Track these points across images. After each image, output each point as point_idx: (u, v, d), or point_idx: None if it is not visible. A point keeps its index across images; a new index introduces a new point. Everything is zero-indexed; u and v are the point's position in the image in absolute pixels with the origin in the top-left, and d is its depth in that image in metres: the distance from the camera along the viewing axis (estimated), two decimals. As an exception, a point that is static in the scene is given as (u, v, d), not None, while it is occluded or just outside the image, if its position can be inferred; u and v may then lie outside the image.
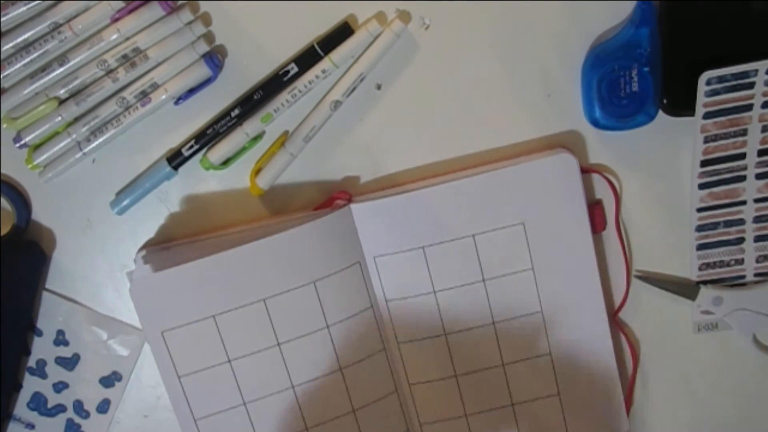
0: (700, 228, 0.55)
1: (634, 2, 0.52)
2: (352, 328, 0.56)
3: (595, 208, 0.56)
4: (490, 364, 0.58)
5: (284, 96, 0.54)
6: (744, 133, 0.53)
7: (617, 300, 0.58)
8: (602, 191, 0.56)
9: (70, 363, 0.60)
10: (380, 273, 0.56)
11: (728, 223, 0.55)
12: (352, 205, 0.55)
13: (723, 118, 0.52)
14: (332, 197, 0.56)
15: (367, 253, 0.56)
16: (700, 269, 0.56)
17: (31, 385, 0.60)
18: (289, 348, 0.55)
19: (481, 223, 0.55)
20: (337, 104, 0.54)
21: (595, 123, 0.54)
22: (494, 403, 0.58)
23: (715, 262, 0.56)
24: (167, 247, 0.57)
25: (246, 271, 0.54)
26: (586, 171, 0.55)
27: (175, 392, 0.56)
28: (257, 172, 0.56)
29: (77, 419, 0.61)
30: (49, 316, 0.59)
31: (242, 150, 0.55)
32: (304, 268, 0.54)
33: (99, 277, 0.59)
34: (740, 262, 0.56)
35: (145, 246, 0.58)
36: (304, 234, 0.53)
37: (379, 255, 0.56)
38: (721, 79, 0.51)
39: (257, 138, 0.55)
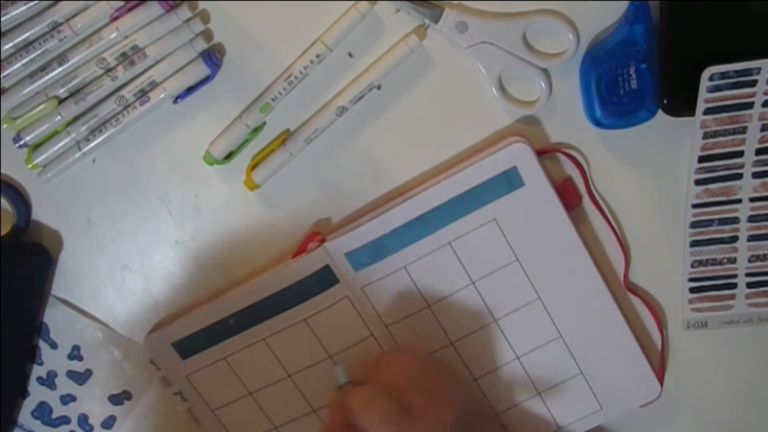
0: (694, 224, 0.55)
1: (628, 1, 0.51)
2: (357, 356, 0.57)
3: (564, 185, 0.55)
4: (504, 360, 0.57)
5: (280, 84, 0.53)
6: (743, 131, 0.52)
7: (619, 271, 0.57)
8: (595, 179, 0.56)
9: (81, 377, 0.60)
10: (372, 302, 0.56)
11: (723, 221, 0.55)
12: (327, 244, 0.55)
13: (723, 115, 0.52)
14: (305, 240, 0.56)
15: (353, 286, 0.56)
16: (692, 266, 0.56)
17: (38, 394, 0.60)
18: (299, 378, 0.58)
19: (454, 230, 0.55)
20: (343, 110, 0.54)
21: (597, 123, 0.53)
22: (520, 397, 0.58)
23: (707, 260, 0.56)
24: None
25: (242, 314, 0.57)
26: (545, 152, 0.54)
27: (213, 425, 0.60)
28: (254, 166, 0.55)
29: None
30: (67, 331, 0.59)
31: (244, 142, 0.55)
32: (292, 308, 0.56)
33: (99, 277, 0.59)
34: (733, 261, 0.55)
35: (154, 329, 0.59)
36: (283, 278, 0.56)
37: (366, 285, 0.56)
38: (723, 75, 0.51)
39: (258, 129, 0.55)
